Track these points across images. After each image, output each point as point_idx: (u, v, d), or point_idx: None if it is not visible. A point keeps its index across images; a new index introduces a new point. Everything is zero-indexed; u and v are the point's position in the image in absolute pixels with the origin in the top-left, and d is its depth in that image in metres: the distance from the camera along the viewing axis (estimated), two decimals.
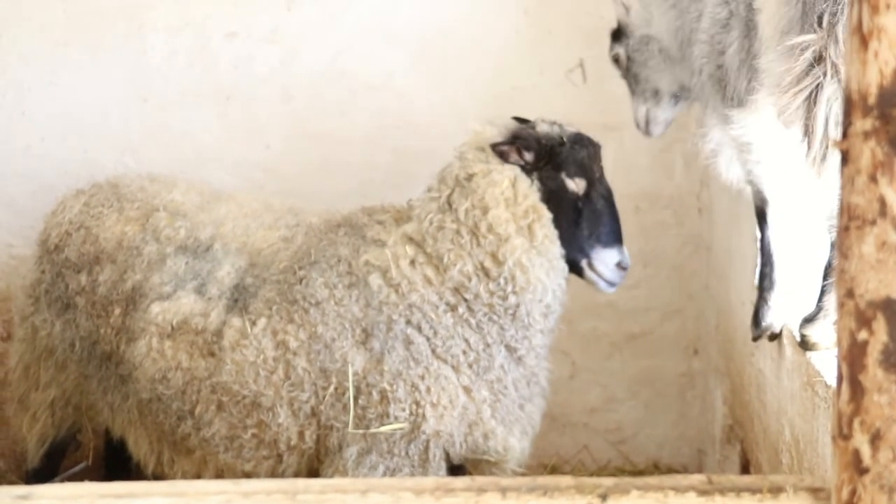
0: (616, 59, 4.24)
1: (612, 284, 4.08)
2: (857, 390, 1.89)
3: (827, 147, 3.12)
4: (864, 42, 1.77)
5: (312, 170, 5.11)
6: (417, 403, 3.91)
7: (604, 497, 2.03)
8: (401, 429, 3.90)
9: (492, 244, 3.93)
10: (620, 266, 4.06)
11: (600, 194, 4.07)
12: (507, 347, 4.01)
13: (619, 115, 4.76)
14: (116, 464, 4.61)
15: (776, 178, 3.55)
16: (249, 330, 3.98)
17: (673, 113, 4.28)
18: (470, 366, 3.97)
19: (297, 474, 4.02)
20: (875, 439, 1.89)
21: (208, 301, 4.05)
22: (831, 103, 3.11)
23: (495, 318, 3.97)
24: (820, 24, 3.08)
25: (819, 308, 3.49)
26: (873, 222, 1.82)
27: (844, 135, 1.84)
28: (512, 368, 4.03)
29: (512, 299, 3.95)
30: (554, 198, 4.00)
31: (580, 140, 4.09)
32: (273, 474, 4.03)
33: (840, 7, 3.07)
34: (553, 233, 3.97)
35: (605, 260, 4.04)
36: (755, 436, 4.22)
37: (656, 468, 5.32)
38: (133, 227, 4.22)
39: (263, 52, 5.10)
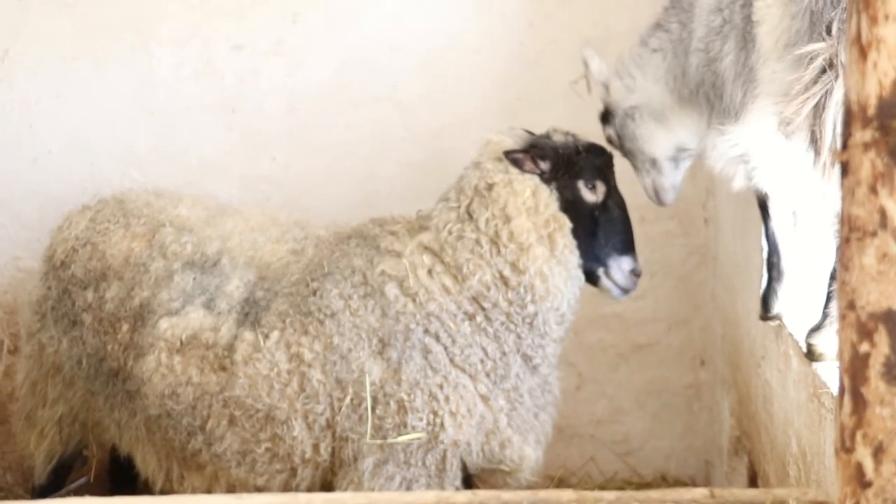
0: (610, 141, 4.24)
1: (626, 292, 4.13)
2: (859, 403, 1.88)
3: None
4: (863, 53, 1.77)
5: (317, 182, 5.11)
6: (435, 413, 3.91)
7: None
8: (418, 438, 3.90)
9: (513, 253, 3.95)
10: (634, 273, 4.10)
11: (616, 203, 4.11)
12: (524, 356, 4.02)
13: None
14: (121, 480, 4.61)
15: (775, 184, 3.56)
16: (262, 343, 3.97)
17: (679, 175, 4.25)
18: (487, 374, 3.98)
19: (310, 488, 4.01)
20: (878, 452, 1.88)
21: (218, 315, 4.05)
22: (839, 108, 3.12)
23: (512, 326, 3.98)
24: (829, 32, 3.10)
25: (825, 315, 3.50)
26: (874, 234, 1.82)
27: (844, 146, 1.83)
28: (527, 377, 4.05)
29: (530, 308, 3.97)
30: (571, 207, 4.03)
31: (595, 149, 4.13)
32: (286, 488, 4.02)
33: None
34: (572, 242, 4.00)
35: (621, 267, 4.08)
36: (762, 447, 4.20)
37: (664, 480, 5.30)
38: (140, 244, 4.22)
39: (269, 64, 5.11)
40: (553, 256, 3.97)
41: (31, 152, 5.12)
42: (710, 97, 3.73)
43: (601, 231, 4.06)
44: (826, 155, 3.18)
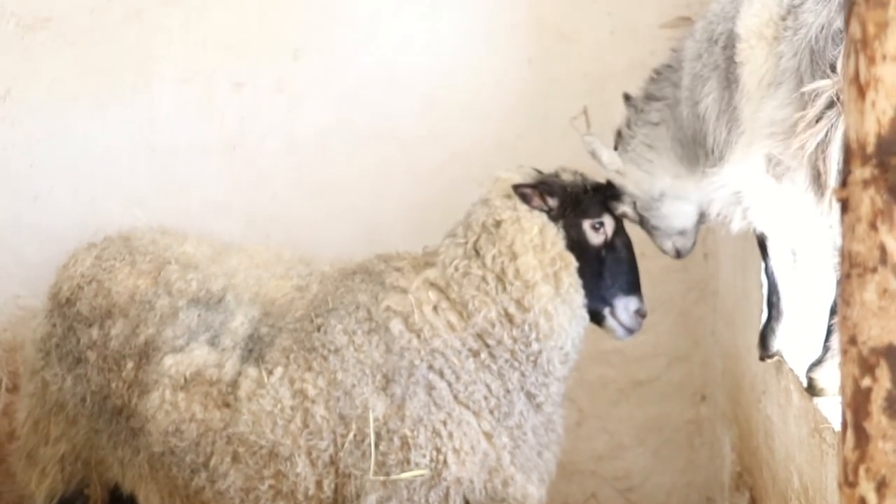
0: (624, 216, 4.16)
1: (631, 332, 4.14)
2: (861, 437, 1.89)
3: None
4: (861, 92, 1.79)
5: (318, 218, 5.13)
6: (438, 449, 3.90)
7: None
8: (422, 475, 3.89)
9: (518, 290, 3.96)
10: (640, 314, 4.11)
11: (623, 243, 4.12)
12: (527, 394, 4.02)
13: None
14: None
15: (771, 223, 3.58)
16: (266, 379, 3.97)
17: (697, 232, 4.25)
18: (491, 412, 3.98)
19: None
20: (881, 487, 1.89)
21: (222, 352, 4.05)
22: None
23: (517, 364, 3.99)
24: (833, 70, 3.13)
25: (826, 349, 3.50)
26: (874, 270, 1.83)
27: (844, 183, 1.85)
28: (531, 415, 4.04)
29: (535, 346, 3.97)
30: (578, 246, 4.04)
31: (603, 189, 4.14)
32: None
33: None
34: (578, 281, 4.00)
35: (627, 308, 4.09)
36: (764, 483, 4.19)
37: None
38: (145, 281, 4.22)
39: (270, 102, 5.14)
40: (558, 295, 3.98)
41: (32, 190, 5.15)
42: (700, 143, 3.74)
43: (607, 271, 4.07)
44: (830, 190, 3.20)
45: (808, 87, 3.17)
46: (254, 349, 4.04)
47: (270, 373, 3.98)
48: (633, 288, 4.11)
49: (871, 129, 1.80)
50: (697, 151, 3.80)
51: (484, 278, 3.99)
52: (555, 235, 4.01)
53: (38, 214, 5.14)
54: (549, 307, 3.96)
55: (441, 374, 3.94)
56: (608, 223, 4.09)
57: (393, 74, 5.12)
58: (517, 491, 4.00)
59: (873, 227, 1.82)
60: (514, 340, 3.97)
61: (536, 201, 4.04)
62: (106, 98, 5.11)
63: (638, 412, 5.31)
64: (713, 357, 5.20)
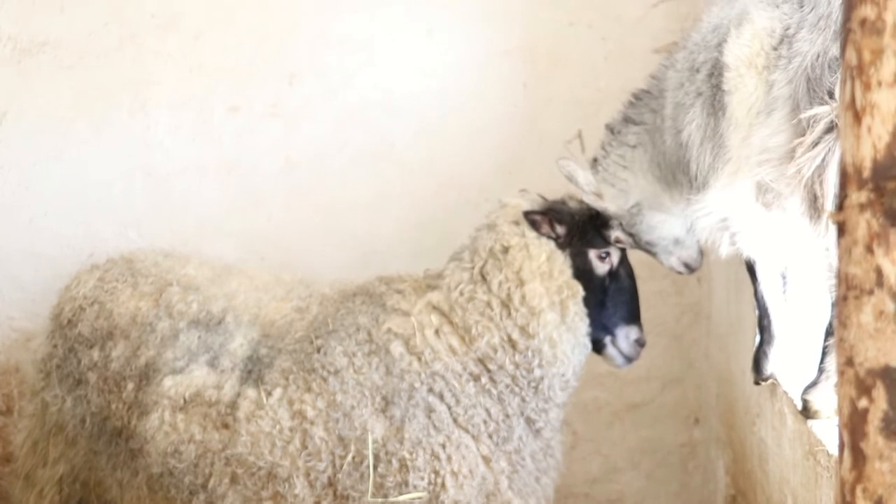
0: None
1: (629, 360, 4.16)
2: (858, 458, 1.90)
3: None
4: (857, 118, 1.82)
5: (314, 240, 5.14)
6: (437, 472, 3.90)
7: None
8: (420, 498, 3.89)
9: (524, 317, 3.97)
10: (639, 343, 4.14)
11: (626, 272, 4.15)
12: (527, 419, 4.03)
13: None
14: None
15: (759, 248, 3.60)
16: (265, 400, 3.97)
17: (697, 242, 4.25)
18: (490, 436, 3.99)
19: None
20: None
21: (221, 373, 4.06)
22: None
23: (517, 389, 4.00)
24: (831, 96, 3.16)
25: (821, 370, 3.51)
26: (871, 292, 1.86)
27: (840, 207, 1.88)
28: (530, 440, 4.05)
29: (537, 372, 3.98)
30: (583, 275, 4.05)
31: (608, 218, 4.14)
32: None
33: None
34: (583, 310, 4.02)
35: (628, 337, 4.12)
36: None
37: None
38: (147, 303, 4.23)
39: (265, 125, 5.15)
40: (563, 323, 3.99)
41: (27, 213, 5.15)
42: (683, 170, 3.75)
43: (610, 300, 4.09)
44: (827, 213, 3.22)
45: (806, 114, 3.20)
46: (253, 370, 4.05)
47: (269, 394, 3.98)
48: (634, 317, 4.13)
49: (867, 154, 1.82)
50: (678, 177, 3.81)
51: (489, 304, 4.00)
52: (562, 263, 4.02)
53: (33, 237, 5.14)
54: (553, 334, 3.97)
55: (441, 398, 3.95)
56: (614, 253, 4.11)
57: (389, 98, 5.14)
58: None
59: (869, 250, 1.85)
60: (516, 366, 3.98)
61: (545, 228, 4.05)
62: (102, 121, 5.12)
63: (632, 435, 5.31)
64: (707, 380, 5.22)
